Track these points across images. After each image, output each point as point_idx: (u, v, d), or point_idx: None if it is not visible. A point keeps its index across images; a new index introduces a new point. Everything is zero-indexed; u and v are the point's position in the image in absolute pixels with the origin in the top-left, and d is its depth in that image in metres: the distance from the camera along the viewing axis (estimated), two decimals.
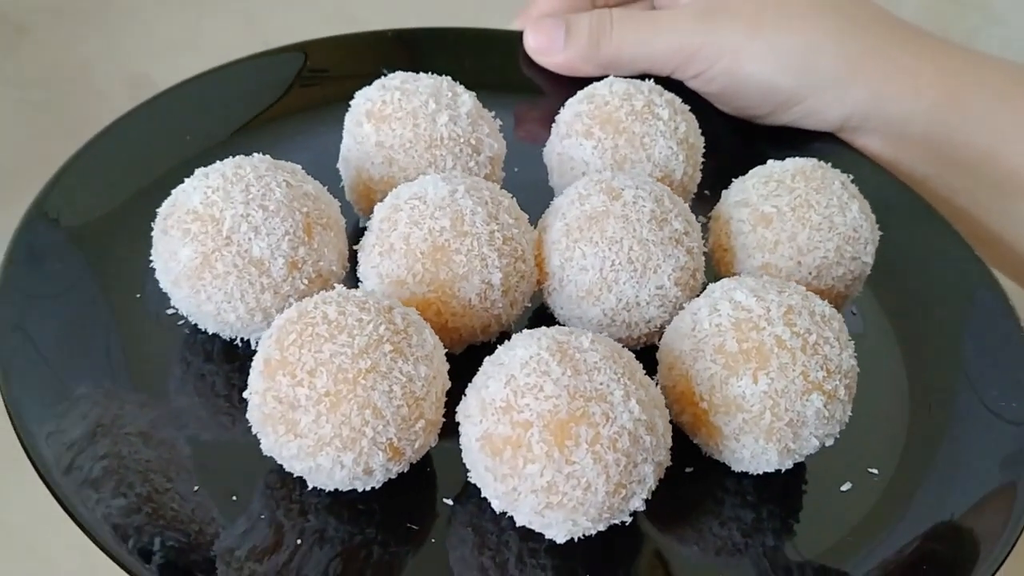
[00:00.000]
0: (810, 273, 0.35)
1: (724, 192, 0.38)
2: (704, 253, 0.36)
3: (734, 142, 0.45)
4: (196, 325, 0.34)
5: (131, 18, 0.70)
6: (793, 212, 0.35)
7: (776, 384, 0.30)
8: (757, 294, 0.31)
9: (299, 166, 0.35)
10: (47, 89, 0.65)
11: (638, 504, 0.29)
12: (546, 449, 0.27)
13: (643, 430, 0.28)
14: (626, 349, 0.30)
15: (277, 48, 0.46)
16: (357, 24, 0.69)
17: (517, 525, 0.30)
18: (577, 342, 0.29)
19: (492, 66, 0.48)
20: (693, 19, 0.43)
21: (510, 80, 0.48)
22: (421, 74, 0.39)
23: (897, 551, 0.31)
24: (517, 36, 0.47)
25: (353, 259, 0.35)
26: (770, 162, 0.37)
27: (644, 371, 0.30)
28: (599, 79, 0.41)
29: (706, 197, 0.41)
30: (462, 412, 0.30)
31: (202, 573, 0.28)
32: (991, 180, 0.43)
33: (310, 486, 0.30)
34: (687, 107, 0.40)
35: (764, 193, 0.36)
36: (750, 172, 0.37)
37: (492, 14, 0.61)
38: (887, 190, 0.42)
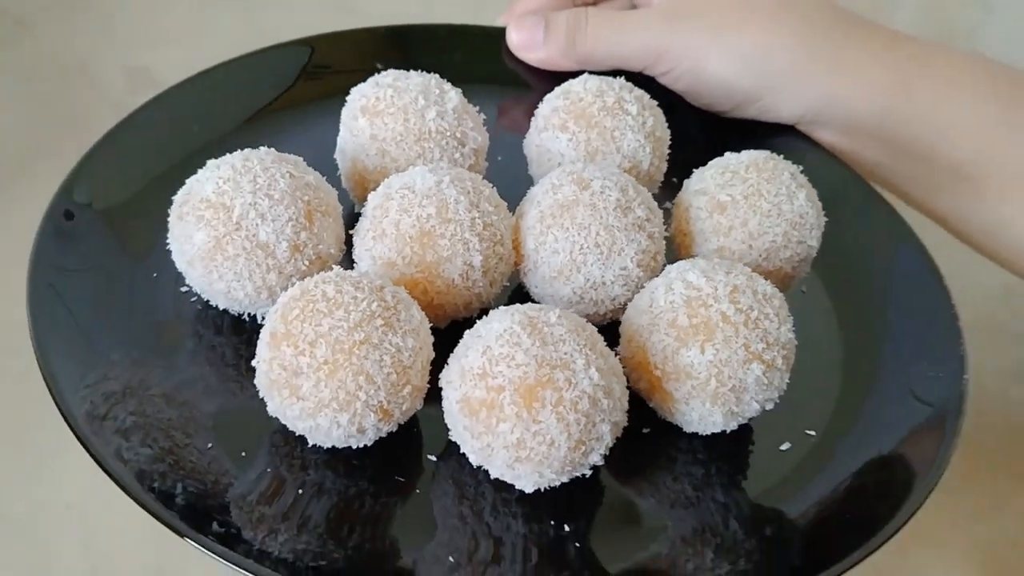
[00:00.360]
0: (760, 255, 0.39)
1: (686, 181, 0.42)
2: (667, 237, 0.40)
3: (702, 134, 0.49)
4: (208, 301, 0.38)
5: (130, 11, 0.72)
6: (745, 200, 0.39)
7: (720, 354, 0.34)
8: (707, 275, 0.35)
9: (301, 158, 0.39)
10: (47, 81, 0.67)
11: (597, 459, 0.33)
12: (516, 410, 0.32)
13: (601, 394, 0.32)
14: (590, 324, 0.34)
15: (279, 44, 0.49)
16: (356, 15, 0.72)
17: (492, 478, 0.34)
18: (546, 317, 0.33)
19: (480, 60, 0.52)
20: (660, 21, 0.46)
21: (496, 73, 0.51)
22: (412, 72, 0.43)
23: (831, 490, 0.35)
24: (502, 32, 0.51)
25: (349, 242, 0.39)
26: (727, 154, 0.41)
27: (606, 343, 0.34)
28: (577, 74, 0.45)
29: (674, 184, 0.45)
30: (444, 378, 0.34)
31: (217, 515, 0.32)
32: (942, 168, 0.47)
33: (310, 443, 0.34)
34: (655, 102, 0.44)
35: (720, 183, 0.40)
36: (709, 163, 0.41)
37: (488, 4, 0.65)
38: (838, 178, 0.46)
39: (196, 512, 0.32)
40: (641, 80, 0.46)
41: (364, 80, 0.43)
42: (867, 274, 0.43)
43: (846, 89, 0.45)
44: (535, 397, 0.32)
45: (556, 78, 0.48)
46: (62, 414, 0.33)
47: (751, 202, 0.39)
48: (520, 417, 0.32)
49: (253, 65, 0.48)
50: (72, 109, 0.65)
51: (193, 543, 0.31)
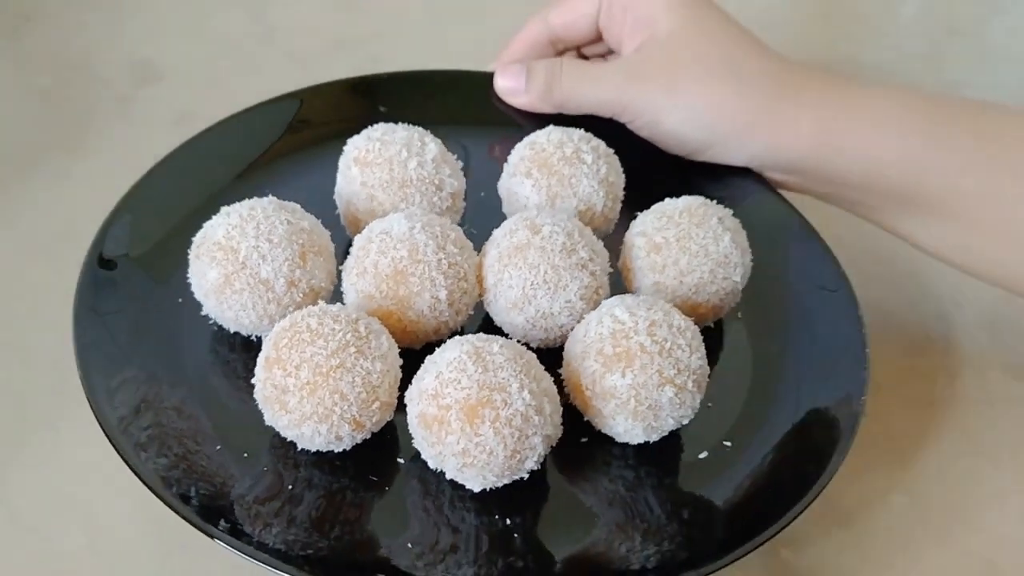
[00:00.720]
0: (690, 289, 0.46)
1: (631, 223, 0.48)
2: (615, 270, 0.47)
3: (665, 171, 0.55)
4: (221, 325, 0.46)
5: (133, 5, 0.73)
6: (677, 242, 0.46)
7: (638, 379, 0.41)
8: (631, 311, 0.42)
9: (298, 205, 0.46)
10: (51, 75, 0.67)
11: (532, 465, 0.40)
12: (461, 425, 0.39)
13: (533, 412, 0.39)
14: (529, 351, 0.41)
15: (276, 97, 0.56)
16: (360, 11, 0.74)
17: (447, 479, 0.41)
18: (489, 347, 0.40)
19: (472, 102, 0.58)
20: (623, 78, 0.53)
21: (486, 113, 0.58)
22: (399, 125, 0.49)
23: (740, 484, 0.42)
24: (490, 76, 0.58)
25: (339, 276, 0.46)
26: (667, 199, 0.48)
27: (543, 367, 0.41)
28: (553, 117, 0.52)
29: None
30: (407, 396, 0.41)
31: (226, 512, 0.39)
32: (881, 195, 0.52)
33: (299, 447, 0.42)
34: (611, 150, 0.50)
35: (657, 226, 0.46)
36: (651, 208, 0.48)
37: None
38: (781, 215, 0.52)
39: (209, 511, 0.39)
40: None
41: (357, 126, 0.50)
42: (791, 307, 0.49)
43: (783, 139, 0.51)
44: (476, 415, 0.38)
45: (537, 118, 0.55)
46: (100, 425, 0.41)
47: (682, 244, 0.45)
48: (464, 431, 0.38)
49: (251, 118, 0.55)
50: (76, 103, 0.66)
51: (209, 537, 0.38)
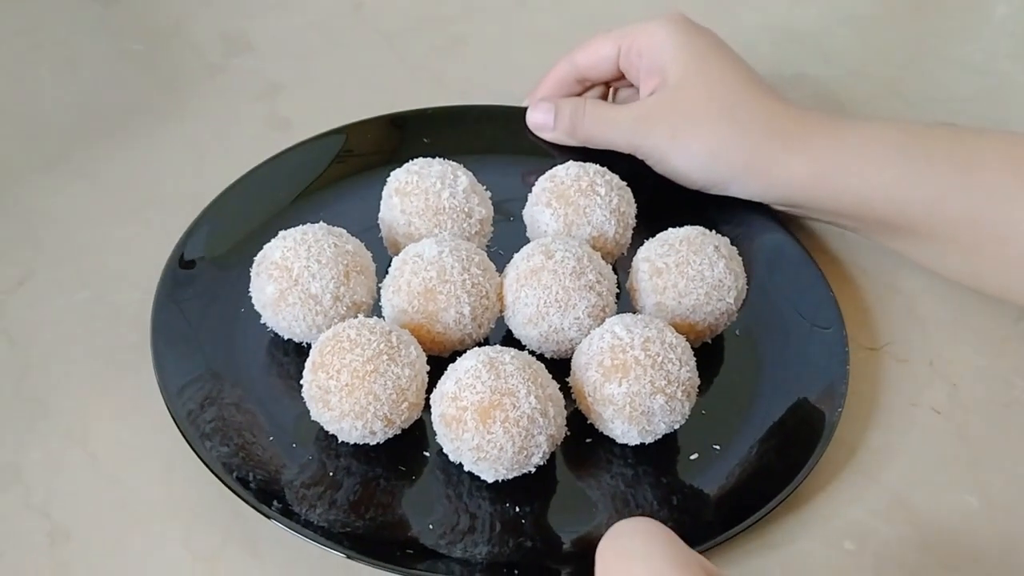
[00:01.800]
0: (688, 310, 0.51)
1: (639, 249, 0.54)
2: (624, 291, 0.53)
3: (677, 201, 0.61)
4: (276, 333, 0.52)
5: None
6: (676, 267, 0.51)
7: (632, 388, 0.46)
8: (628, 328, 0.47)
9: (344, 230, 0.52)
10: (144, 42, 0.70)
11: (538, 461, 0.46)
12: (475, 424, 0.45)
13: (538, 415, 0.45)
14: (537, 362, 0.47)
15: (326, 132, 0.62)
16: None
17: (466, 471, 0.47)
18: (502, 357, 0.46)
19: (506, 134, 0.65)
20: (633, 123, 0.58)
21: (519, 145, 0.64)
22: (435, 159, 0.56)
23: (726, 478, 0.48)
24: (522, 111, 0.64)
25: (379, 293, 0.53)
26: (669, 229, 0.53)
27: (552, 376, 0.47)
28: (581, 149, 0.59)
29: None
30: (432, 398, 0.47)
31: (278, 493, 0.46)
32: (875, 222, 0.56)
33: (339, 440, 0.48)
34: (624, 183, 0.56)
35: (659, 252, 0.52)
36: (655, 236, 0.53)
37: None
38: (778, 243, 0.58)
39: (265, 493, 0.46)
40: None
41: (398, 158, 0.57)
42: (783, 327, 0.55)
43: (778, 179, 0.56)
44: (488, 415, 0.45)
45: (567, 149, 0.61)
46: (172, 418, 0.48)
47: (680, 269, 0.51)
48: (478, 429, 0.45)
49: (308, 149, 0.62)
50: (167, 69, 0.68)
51: (265, 517, 0.45)
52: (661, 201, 0.59)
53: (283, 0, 0.76)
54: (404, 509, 0.47)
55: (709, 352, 0.54)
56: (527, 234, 0.57)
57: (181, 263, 0.55)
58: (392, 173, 0.56)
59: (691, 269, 0.51)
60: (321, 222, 0.53)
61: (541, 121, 0.62)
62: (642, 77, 0.60)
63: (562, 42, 0.64)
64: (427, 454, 0.49)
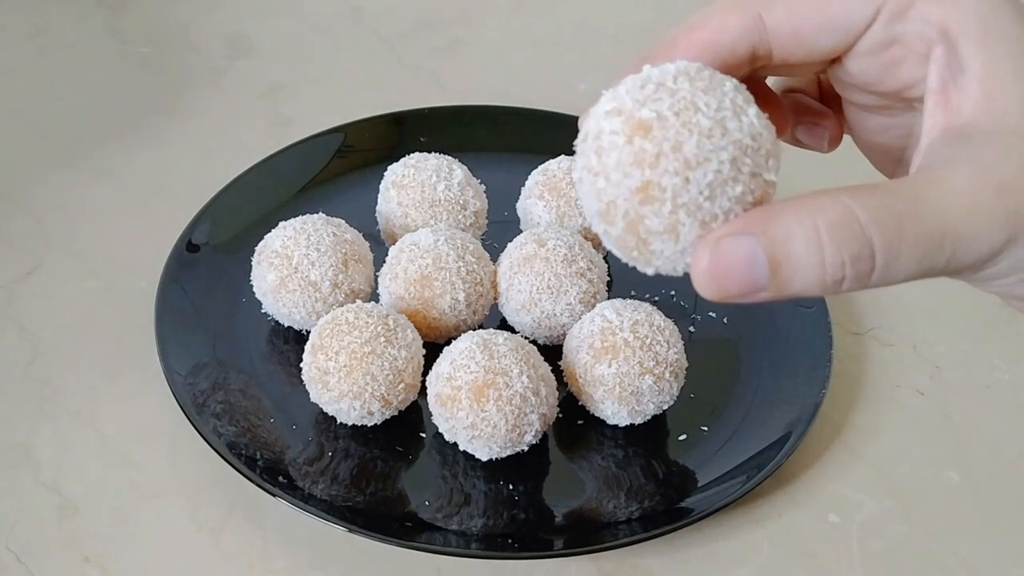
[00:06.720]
0: (701, 193, 0.26)
1: (591, 109, 0.28)
2: (612, 278, 0.54)
3: None
4: (277, 321, 0.54)
5: None
6: (677, 117, 0.26)
7: (622, 369, 0.48)
8: (618, 311, 0.49)
9: (343, 220, 0.54)
10: (151, 45, 0.72)
11: (530, 439, 0.48)
12: (469, 403, 0.46)
13: (530, 393, 0.47)
14: (529, 343, 0.49)
15: (327, 130, 0.64)
16: None
17: (461, 450, 0.49)
18: (495, 339, 0.48)
19: (502, 133, 0.66)
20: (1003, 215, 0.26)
21: (514, 144, 0.66)
22: (431, 154, 0.58)
23: (711, 456, 0.50)
24: (513, 111, 0.66)
25: (377, 281, 0.54)
26: (646, 67, 0.28)
27: (544, 359, 0.49)
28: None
29: None
30: (428, 380, 0.49)
31: (283, 472, 0.47)
32: None
33: (338, 421, 0.50)
34: None
35: (640, 98, 0.26)
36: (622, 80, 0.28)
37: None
38: None
39: (271, 472, 0.48)
40: None
41: (396, 155, 0.58)
42: (769, 308, 0.56)
43: None
44: (482, 394, 0.46)
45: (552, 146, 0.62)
46: (178, 402, 0.49)
47: (684, 118, 0.26)
48: (472, 407, 0.46)
49: (308, 146, 0.64)
50: (174, 71, 0.71)
51: (271, 495, 0.46)
52: None
53: (285, 4, 0.79)
54: (402, 486, 0.49)
55: (697, 335, 0.55)
56: (520, 227, 0.59)
57: (188, 248, 0.56)
58: (389, 167, 0.58)
59: (703, 119, 0.26)
60: (321, 213, 0.54)
61: (739, 276, 0.26)
62: (935, 84, 0.29)
63: (557, 45, 0.65)
64: (423, 436, 0.51)
